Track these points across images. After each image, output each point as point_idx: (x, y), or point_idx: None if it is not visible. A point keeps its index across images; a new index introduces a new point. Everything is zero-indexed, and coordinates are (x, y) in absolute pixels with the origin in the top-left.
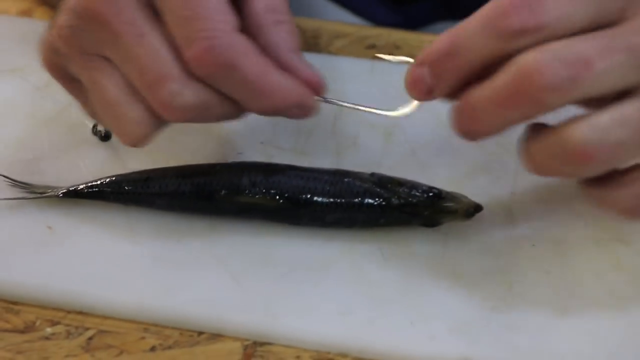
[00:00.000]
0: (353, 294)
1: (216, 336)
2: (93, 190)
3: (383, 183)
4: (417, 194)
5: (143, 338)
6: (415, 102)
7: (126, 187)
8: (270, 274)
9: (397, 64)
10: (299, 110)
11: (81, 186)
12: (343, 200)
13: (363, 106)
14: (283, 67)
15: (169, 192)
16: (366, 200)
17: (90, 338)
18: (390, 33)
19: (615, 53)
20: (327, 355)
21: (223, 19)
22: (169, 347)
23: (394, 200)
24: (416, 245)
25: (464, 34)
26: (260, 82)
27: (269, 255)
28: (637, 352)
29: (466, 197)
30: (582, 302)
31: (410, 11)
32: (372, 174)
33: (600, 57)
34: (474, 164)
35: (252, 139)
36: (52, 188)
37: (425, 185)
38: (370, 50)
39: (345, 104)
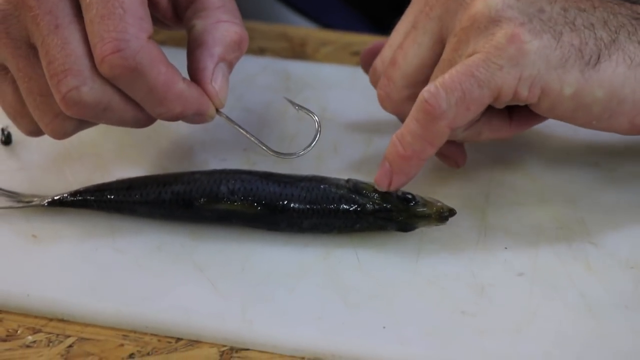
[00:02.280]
0: (328, 298)
1: (194, 342)
2: (77, 199)
3: (358, 189)
4: (391, 199)
5: (122, 345)
6: (311, 147)
7: (109, 196)
8: (248, 280)
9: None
10: (197, 117)
11: (66, 195)
12: (319, 207)
13: (256, 140)
14: (195, 71)
15: (150, 201)
16: (342, 206)
17: (70, 346)
18: (373, 40)
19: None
20: None
21: (138, 24)
22: (148, 354)
23: (369, 206)
24: (391, 250)
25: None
26: (163, 91)
27: (247, 261)
28: (605, 354)
29: (440, 202)
30: (552, 304)
31: (391, 28)
32: (348, 180)
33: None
34: (448, 170)
35: (235, 146)
36: (39, 197)
37: (399, 191)
38: (354, 56)
39: (241, 130)
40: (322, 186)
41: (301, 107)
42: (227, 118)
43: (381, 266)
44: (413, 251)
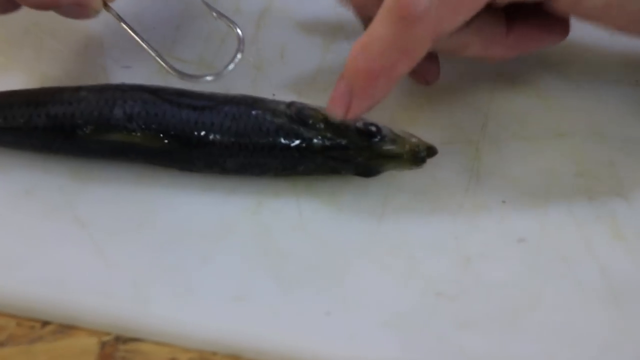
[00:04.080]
0: (254, 271)
1: (66, 329)
2: None
3: (303, 117)
4: (349, 132)
5: None
6: (227, 69)
7: None
8: (146, 243)
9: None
10: (76, 10)
11: None
12: (249, 140)
13: (152, 50)
14: None
15: (17, 126)
16: (280, 141)
17: None
18: None
19: None
20: (213, 357)
21: None
22: (1, 344)
23: (317, 141)
24: (345, 203)
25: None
26: None
27: (147, 214)
28: (632, 356)
29: (415, 137)
30: (563, 284)
31: None
32: (290, 105)
33: None
34: (430, 89)
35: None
36: None
37: (360, 120)
38: None
39: (133, 35)
40: (253, 112)
41: (221, 15)
42: (118, 16)
43: (331, 225)
44: (376, 205)
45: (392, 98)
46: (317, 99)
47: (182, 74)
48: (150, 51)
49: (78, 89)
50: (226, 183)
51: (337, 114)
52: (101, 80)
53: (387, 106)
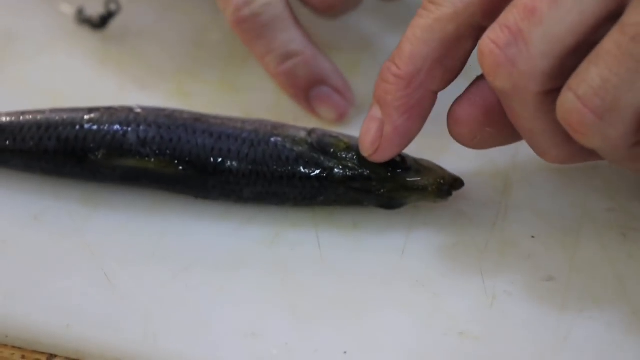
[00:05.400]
0: (270, 305)
1: None
2: None
3: (324, 146)
4: (372, 162)
5: None
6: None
7: None
8: (157, 274)
9: None
10: None
11: None
12: (267, 169)
13: None
14: None
15: (26, 149)
16: (299, 170)
17: None
18: None
19: None
20: None
21: None
22: None
23: (338, 171)
24: (366, 236)
25: None
26: None
27: (159, 244)
28: None
29: (441, 168)
30: (593, 326)
31: None
32: (311, 132)
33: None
34: None
35: (161, 67)
36: None
37: None
38: None
39: None
40: (272, 139)
41: None
42: None
43: (351, 258)
44: (398, 238)
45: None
46: (340, 126)
47: None
48: None
49: (90, 110)
50: (242, 212)
51: (366, 149)
52: (116, 100)
53: (420, 141)
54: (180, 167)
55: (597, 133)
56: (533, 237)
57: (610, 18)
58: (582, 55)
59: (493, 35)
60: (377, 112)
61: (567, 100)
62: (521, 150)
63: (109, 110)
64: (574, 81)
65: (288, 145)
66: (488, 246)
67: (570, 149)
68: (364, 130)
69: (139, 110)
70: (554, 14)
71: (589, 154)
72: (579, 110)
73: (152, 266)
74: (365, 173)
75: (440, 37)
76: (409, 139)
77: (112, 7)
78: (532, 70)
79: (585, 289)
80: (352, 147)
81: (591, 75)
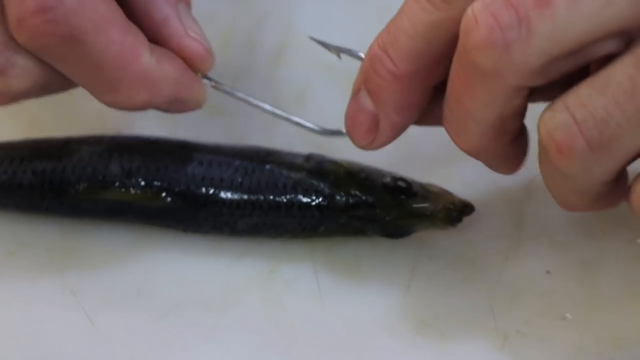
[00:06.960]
0: (264, 348)
1: None
2: None
3: (323, 172)
4: (376, 188)
5: None
6: None
7: None
8: (143, 314)
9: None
10: (178, 106)
11: None
12: (263, 199)
13: (282, 113)
14: (153, 27)
15: (2, 183)
16: (298, 199)
17: None
18: None
19: None
20: None
21: None
22: None
23: (340, 199)
24: (368, 271)
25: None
26: (115, 69)
27: (145, 282)
28: None
29: (450, 193)
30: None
31: None
32: (309, 157)
33: None
34: None
35: None
36: None
37: (387, 175)
38: None
39: (256, 103)
40: (267, 166)
41: (339, 48)
42: (223, 89)
43: (352, 296)
44: (403, 273)
45: (426, 149)
46: (340, 151)
47: (324, 131)
48: (285, 115)
49: (69, 140)
50: (235, 245)
51: (359, 140)
52: (96, 126)
53: (420, 159)
54: (169, 199)
55: (581, 162)
56: (548, 272)
57: (617, 35)
58: (569, 62)
59: (495, 9)
60: (368, 103)
61: (561, 118)
62: (536, 178)
63: (88, 139)
64: (573, 102)
65: (285, 172)
66: (500, 282)
67: (493, 146)
68: (354, 122)
69: (121, 139)
70: (569, 15)
71: (499, 151)
72: (573, 134)
73: (138, 306)
74: (369, 200)
75: (445, 37)
76: (405, 129)
77: None
78: (523, 63)
79: (605, 329)
80: (353, 173)
81: (595, 103)
